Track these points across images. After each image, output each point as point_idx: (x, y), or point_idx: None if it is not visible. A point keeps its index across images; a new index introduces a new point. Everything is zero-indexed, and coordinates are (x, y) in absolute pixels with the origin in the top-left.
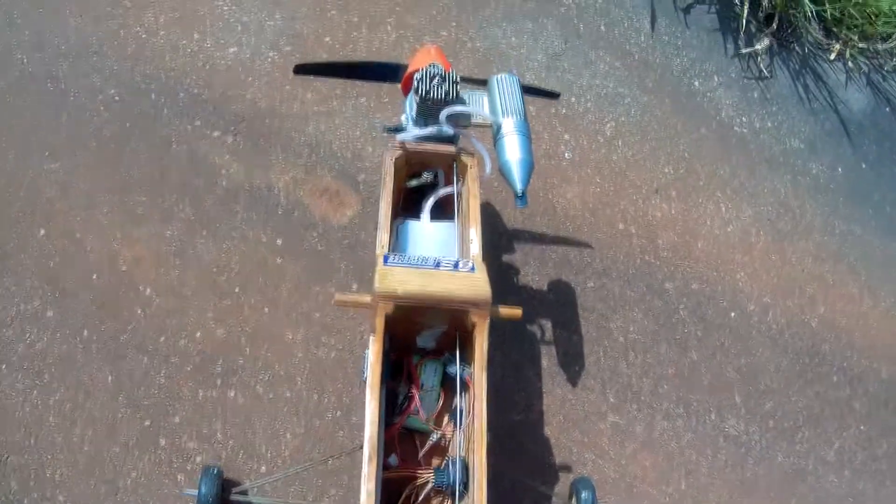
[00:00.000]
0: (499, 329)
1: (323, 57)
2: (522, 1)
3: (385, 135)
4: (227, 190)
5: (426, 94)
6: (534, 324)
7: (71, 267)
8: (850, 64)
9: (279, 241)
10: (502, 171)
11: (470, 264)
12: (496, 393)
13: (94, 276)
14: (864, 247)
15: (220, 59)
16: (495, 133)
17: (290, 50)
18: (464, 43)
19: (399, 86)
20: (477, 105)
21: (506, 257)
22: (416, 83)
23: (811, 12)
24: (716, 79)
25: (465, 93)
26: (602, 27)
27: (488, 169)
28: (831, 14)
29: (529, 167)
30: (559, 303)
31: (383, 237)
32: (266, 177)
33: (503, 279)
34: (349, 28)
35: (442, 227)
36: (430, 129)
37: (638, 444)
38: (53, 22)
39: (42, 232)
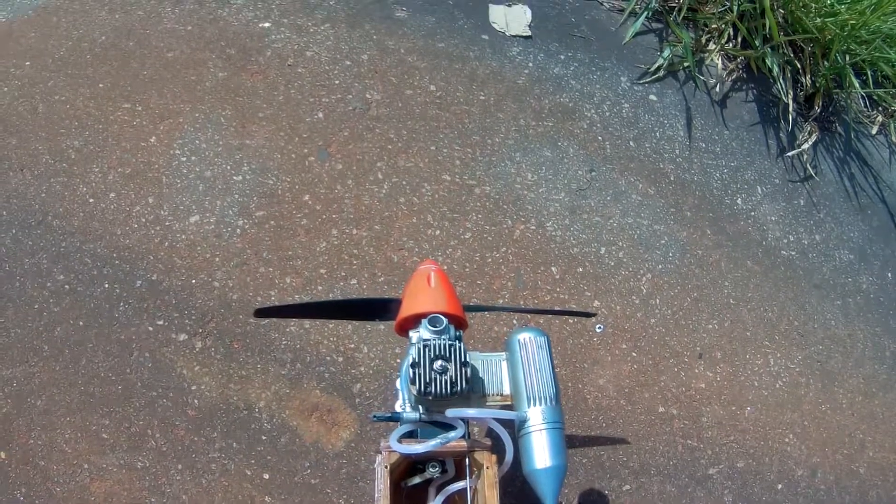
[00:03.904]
0: None
1: (302, 224)
2: (537, 121)
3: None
4: (199, 411)
5: (426, 388)
6: None
7: (39, 500)
8: (893, 138)
9: (266, 476)
10: (528, 477)
11: None
12: None
13: None
14: None
15: (180, 233)
16: (520, 427)
17: (263, 216)
18: (471, 189)
19: (394, 328)
20: (493, 376)
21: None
22: (411, 372)
23: (857, 89)
24: (759, 190)
25: (478, 357)
26: (631, 142)
27: (509, 456)
28: (874, 90)
29: (562, 474)
30: None
31: None
32: (244, 393)
33: (526, 499)
34: (332, 181)
35: None
36: (434, 444)
37: None
38: None
39: (3, 455)
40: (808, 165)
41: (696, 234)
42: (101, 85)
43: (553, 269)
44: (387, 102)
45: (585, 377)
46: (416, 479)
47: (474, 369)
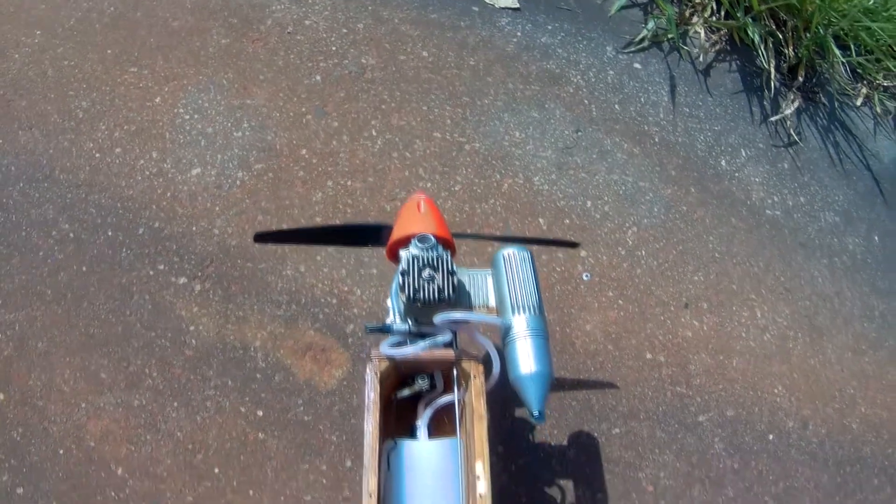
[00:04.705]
0: (511, 498)
1: (299, 175)
2: (525, 84)
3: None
4: (197, 350)
5: (414, 294)
6: (552, 486)
7: (36, 440)
8: (877, 109)
9: (260, 413)
10: (514, 385)
11: None
12: None
13: (61, 452)
14: None
15: (182, 185)
16: (504, 333)
17: (262, 168)
18: (461, 146)
19: (385, 253)
20: (479, 290)
21: (518, 411)
22: (401, 279)
23: (839, 57)
24: (743, 153)
25: (465, 273)
26: (616, 105)
27: (496, 368)
28: (856, 59)
29: (547, 380)
30: (581, 458)
31: (371, 481)
32: (240, 333)
33: (516, 438)
34: (328, 136)
35: (442, 446)
36: (422, 345)
37: None
38: (3, 135)
39: (1, 397)
40: (791, 132)
41: (681, 191)
42: (108, 51)
43: (540, 220)
44: (381, 67)
45: (573, 322)
46: (406, 392)
47: (461, 283)
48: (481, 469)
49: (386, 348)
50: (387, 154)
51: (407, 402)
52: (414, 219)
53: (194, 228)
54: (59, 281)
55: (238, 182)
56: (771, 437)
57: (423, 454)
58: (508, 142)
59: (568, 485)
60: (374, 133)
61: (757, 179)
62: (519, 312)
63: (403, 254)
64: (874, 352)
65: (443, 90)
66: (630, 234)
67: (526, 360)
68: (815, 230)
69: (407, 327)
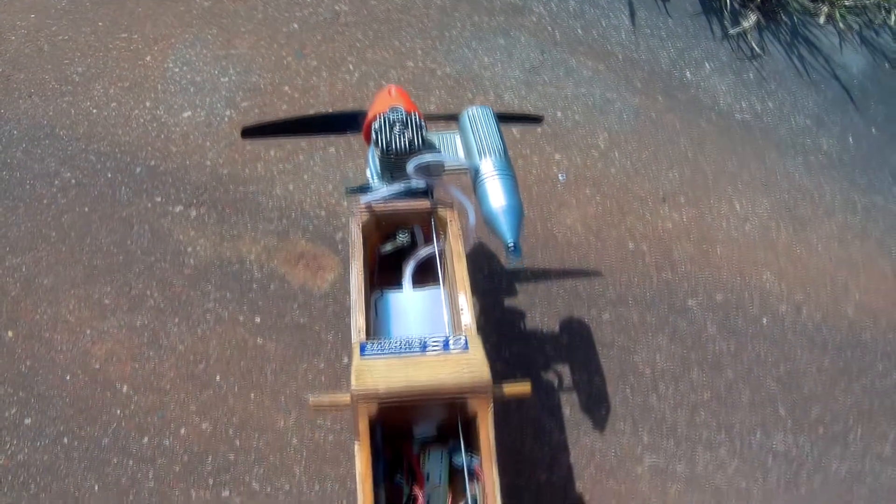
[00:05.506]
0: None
1: (283, 109)
2: (490, 17)
3: (350, 197)
4: (195, 269)
5: (387, 145)
6: (549, 371)
7: (43, 370)
8: (840, 25)
9: (257, 319)
10: (488, 222)
11: (462, 340)
12: (516, 453)
13: (68, 378)
14: (889, 217)
15: (175, 127)
16: (474, 178)
17: (248, 105)
18: (433, 71)
19: (362, 136)
20: (448, 149)
21: (509, 302)
22: (374, 135)
23: None
24: (707, 66)
25: (434, 135)
26: (579, 30)
27: (472, 220)
28: None
29: (518, 213)
30: (574, 343)
31: (358, 319)
32: (236, 249)
33: (508, 327)
34: (308, 74)
35: (427, 294)
36: (397, 186)
37: (681, 484)
38: (4, 105)
39: (10, 334)
40: (754, 45)
41: (648, 100)
42: (100, 23)
43: (514, 130)
44: (354, 12)
45: (553, 218)
46: (388, 247)
47: (431, 142)
48: (464, 301)
49: (365, 197)
50: (364, 83)
51: (393, 265)
52: (386, 101)
53: (188, 163)
54: (63, 223)
55: (227, 119)
56: (765, 320)
57: (409, 302)
58: (478, 66)
59: (564, 369)
60: (350, 67)
61: (723, 88)
62: (486, 156)
63: (377, 121)
64: (861, 242)
65: (413, 27)
66: (602, 138)
67: (496, 196)
68: (787, 131)
69: (383, 185)
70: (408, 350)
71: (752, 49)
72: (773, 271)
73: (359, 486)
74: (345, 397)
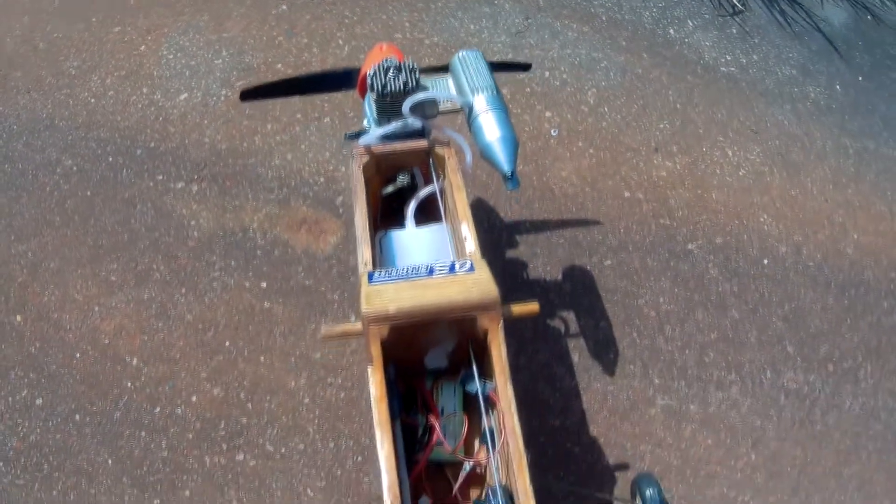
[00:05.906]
0: (517, 332)
1: None
2: None
3: (348, 144)
4: (199, 241)
5: (383, 88)
6: (555, 318)
7: (53, 350)
8: None
9: (263, 285)
10: (485, 155)
11: (468, 264)
12: (529, 400)
13: (78, 355)
14: (882, 160)
15: (172, 109)
16: (469, 115)
17: (243, 84)
18: (421, 41)
19: (356, 92)
20: (442, 90)
21: (510, 253)
22: (370, 80)
23: None
24: (690, 23)
25: (428, 80)
26: None
27: (469, 157)
28: None
29: (513, 143)
30: (578, 290)
31: (364, 252)
32: (238, 219)
33: (511, 278)
34: (299, 51)
35: (430, 231)
36: (394, 125)
37: (696, 424)
38: (2, 102)
39: (18, 318)
40: (735, 2)
41: (634, 58)
42: (93, 19)
43: (504, 90)
44: None
45: (548, 171)
46: (390, 188)
47: (425, 85)
48: (467, 230)
49: (364, 139)
50: (355, 56)
51: (397, 210)
52: (378, 55)
53: (187, 141)
54: (67, 208)
55: (223, 97)
56: (766, 261)
57: (412, 238)
58: (464, 33)
59: (570, 316)
60: (340, 42)
61: (707, 43)
62: (478, 93)
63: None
64: (856, 185)
65: (399, 1)
66: (590, 94)
67: (491, 129)
68: (774, 82)
69: (380, 127)
70: (415, 275)
71: (733, 5)
72: (770, 214)
73: (374, 409)
74: (356, 326)
